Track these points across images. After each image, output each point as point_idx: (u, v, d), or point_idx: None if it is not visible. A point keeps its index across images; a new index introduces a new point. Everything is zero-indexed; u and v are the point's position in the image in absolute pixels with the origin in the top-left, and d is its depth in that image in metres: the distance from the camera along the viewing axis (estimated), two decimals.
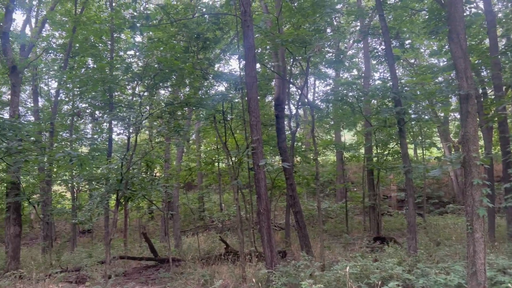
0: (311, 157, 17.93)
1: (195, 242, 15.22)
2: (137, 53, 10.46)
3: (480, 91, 14.31)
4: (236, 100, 13.84)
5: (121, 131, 15.56)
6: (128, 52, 14.01)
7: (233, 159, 11.47)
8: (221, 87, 12.93)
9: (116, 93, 12.58)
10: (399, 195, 22.50)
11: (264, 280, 7.89)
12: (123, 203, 10.27)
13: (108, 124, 14.71)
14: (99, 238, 20.35)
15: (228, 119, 12.85)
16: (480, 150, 14.60)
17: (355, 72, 20.71)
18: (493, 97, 13.72)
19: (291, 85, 15.08)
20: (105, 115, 12.42)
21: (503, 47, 12.86)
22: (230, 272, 9.32)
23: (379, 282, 6.19)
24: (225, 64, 21.02)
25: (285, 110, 14.27)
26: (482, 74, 14.31)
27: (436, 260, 9.07)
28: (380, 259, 8.65)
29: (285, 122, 14.59)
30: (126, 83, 11.29)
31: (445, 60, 16.67)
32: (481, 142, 15.33)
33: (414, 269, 7.41)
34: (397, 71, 18.91)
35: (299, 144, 18.66)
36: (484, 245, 4.63)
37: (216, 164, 20.36)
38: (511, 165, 10.46)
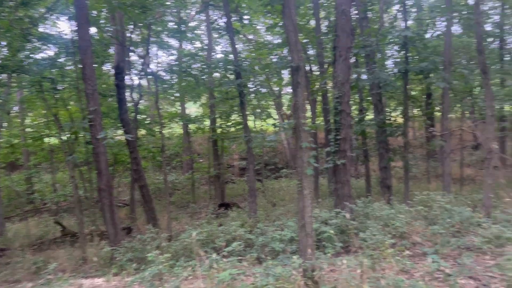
0: (156, 130, 17.49)
1: (24, 228, 13.43)
2: None
3: (308, 67, 16.07)
4: (69, 68, 12.39)
5: None
6: None
7: (66, 133, 10.35)
8: (50, 52, 11.36)
9: None
10: (241, 164, 23.98)
11: (108, 258, 7.50)
12: None
13: None
14: None
15: (60, 88, 11.48)
16: (308, 120, 16.41)
17: (198, 44, 20.74)
18: (317, 73, 15.60)
19: (132, 54, 14.25)
20: None
21: (325, 28, 14.59)
22: (68, 255, 8.56)
23: (224, 244, 6.54)
24: (54, 26, 18.41)
25: (127, 79, 13.47)
26: (309, 52, 16.04)
27: (273, 219, 10.04)
28: (224, 224, 9.13)
29: (128, 93, 13.80)
30: None
31: (278, 38, 18.07)
32: (309, 114, 17.35)
33: (255, 229, 8.06)
34: (237, 45, 19.70)
35: (144, 116, 17.95)
36: (311, 201, 5.28)
37: (46, 139, 18.03)
38: (331, 132, 12.17)
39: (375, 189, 13.74)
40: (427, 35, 14.07)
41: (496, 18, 16.49)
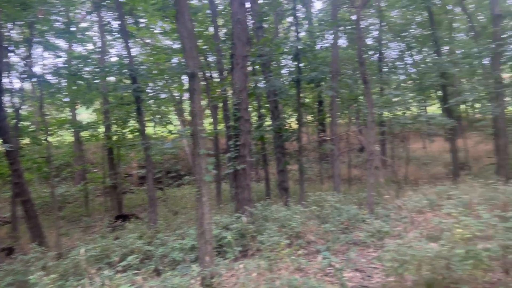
0: (42, 138, 15.90)
1: None
2: None
3: (208, 74, 16.13)
4: None
5: None
6: None
7: None
8: None
9: None
10: (140, 172, 22.98)
11: None
12: None
13: None
14: None
15: None
16: (210, 126, 16.44)
17: (91, 46, 19.41)
18: (218, 79, 15.74)
19: (12, 54, 12.77)
20: None
21: (223, 35, 14.79)
22: None
23: (118, 259, 6.18)
24: None
25: (6, 83, 12.06)
26: (209, 58, 16.12)
27: (174, 228, 9.80)
28: (121, 237, 8.64)
29: (8, 98, 12.40)
30: None
31: (177, 43, 17.82)
32: (210, 120, 17.42)
33: (154, 240, 7.78)
34: (134, 49, 18.93)
35: (27, 123, 16.19)
36: (209, 208, 5.29)
37: None
38: (231, 138, 12.38)
39: (274, 191, 14.29)
40: (317, 47, 15.16)
41: (376, 33, 18.48)
